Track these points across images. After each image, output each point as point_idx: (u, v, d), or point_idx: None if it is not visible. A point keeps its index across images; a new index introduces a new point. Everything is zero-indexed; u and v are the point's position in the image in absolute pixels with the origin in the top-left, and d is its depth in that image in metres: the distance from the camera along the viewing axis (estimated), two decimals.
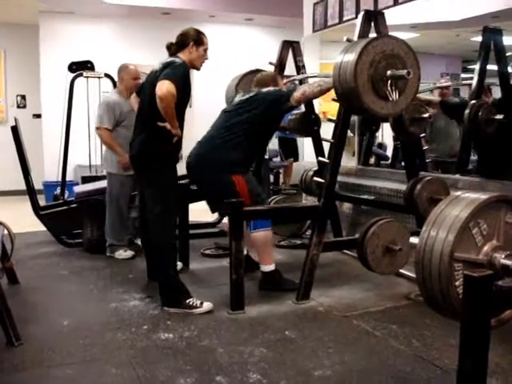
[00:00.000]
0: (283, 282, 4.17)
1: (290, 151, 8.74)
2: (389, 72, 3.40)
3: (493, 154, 4.90)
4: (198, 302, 3.74)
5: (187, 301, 3.73)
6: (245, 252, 4.15)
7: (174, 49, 3.89)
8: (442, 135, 5.87)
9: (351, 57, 3.38)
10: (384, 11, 4.28)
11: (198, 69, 3.95)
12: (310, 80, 4.28)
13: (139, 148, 3.87)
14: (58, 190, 6.84)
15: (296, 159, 8.69)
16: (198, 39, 3.85)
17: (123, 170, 5.09)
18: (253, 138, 4.12)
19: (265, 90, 4.19)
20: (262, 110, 4.06)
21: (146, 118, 3.82)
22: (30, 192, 5.48)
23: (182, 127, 3.78)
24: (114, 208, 5.18)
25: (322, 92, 3.98)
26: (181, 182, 4.99)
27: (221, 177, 4.03)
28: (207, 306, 3.73)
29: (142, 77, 4.97)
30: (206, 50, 3.89)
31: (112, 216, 5.20)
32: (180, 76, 3.62)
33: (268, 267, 4.16)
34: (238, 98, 4.32)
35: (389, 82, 3.42)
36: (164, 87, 3.49)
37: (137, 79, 5.14)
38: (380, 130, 6.88)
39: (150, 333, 3.37)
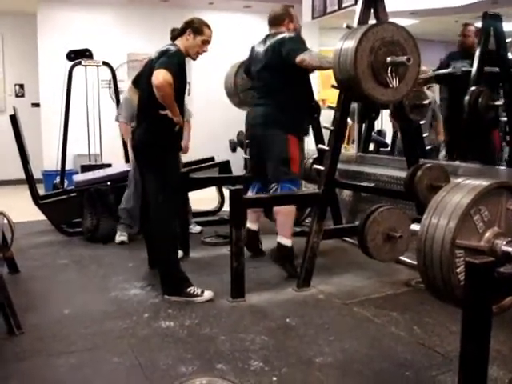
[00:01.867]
0: (291, 264, 4.19)
1: None
2: (389, 58, 3.39)
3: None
4: (199, 291, 3.74)
5: (188, 289, 3.73)
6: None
7: (175, 33, 3.88)
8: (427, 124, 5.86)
9: (351, 44, 3.37)
10: None
11: (193, 58, 3.91)
12: (313, 52, 4.23)
13: (141, 138, 3.87)
14: (58, 179, 6.83)
15: None
16: (198, 28, 3.81)
17: None
18: (296, 94, 4.22)
19: (279, 37, 4.21)
20: (286, 65, 4.12)
21: (146, 107, 3.80)
22: (30, 181, 5.47)
23: (182, 115, 3.76)
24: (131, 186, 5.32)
25: (319, 68, 4.10)
26: (183, 170, 5.03)
27: (280, 135, 4.14)
28: (208, 294, 3.74)
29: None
30: (204, 42, 3.85)
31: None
32: (175, 64, 3.61)
33: (285, 241, 4.17)
34: (260, 49, 4.38)
35: (389, 68, 3.41)
36: (160, 76, 3.48)
37: None
38: (379, 117, 6.86)
39: (150, 321, 3.38)
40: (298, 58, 3.99)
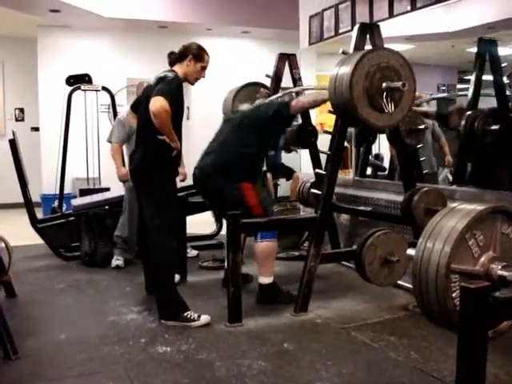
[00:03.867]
0: (280, 295, 4.16)
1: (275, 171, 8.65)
2: (384, 84, 3.42)
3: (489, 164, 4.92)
4: (196, 315, 3.72)
5: (185, 314, 3.72)
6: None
7: (173, 58, 3.92)
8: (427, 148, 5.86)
9: (346, 70, 3.41)
10: (379, 23, 4.30)
11: (191, 83, 3.97)
12: (307, 92, 4.31)
13: (138, 162, 3.89)
14: (56, 203, 6.85)
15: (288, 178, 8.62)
16: (198, 54, 3.87)
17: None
18: (260, 146, 4.21)
19: (267, 100, 4.24)
20: (267, 121, 4.16)
21: (145, 132, 3.84)
22: (28, 205, 5.48)
23: (180, 140, 3.79)
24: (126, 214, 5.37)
25: (316, 103, 4.12)
26: (179, 194, 5.04)
27: (231, 184, 4.08)
28: (205, 318, 3.72)
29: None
30: (203, 68, 3.91)
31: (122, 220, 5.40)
32: (173, 91, 3.66)
33: (265, 279, 4.15)
34: (242, 107, 4.36)
35: (384, 93, 3.44)
36: (157, 103, 3.52)
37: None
38: (377, 141, 6.90)
39: (147, 346, 3.36)
40: (293, 102, 4.12)
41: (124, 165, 5.34)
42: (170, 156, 3.75)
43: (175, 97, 3.66)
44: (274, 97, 4.68)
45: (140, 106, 3.97)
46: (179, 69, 3.85)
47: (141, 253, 4.45)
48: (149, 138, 3.74)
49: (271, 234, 4.13)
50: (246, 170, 4.12)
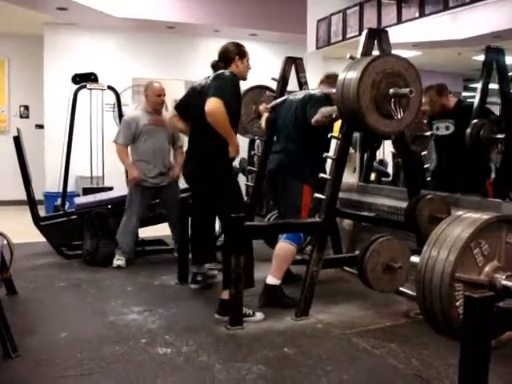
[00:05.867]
0: (283, 299, 4.15)
1: None
2: (391, 90, 3.40)
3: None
4: (251, 311, 3.81)
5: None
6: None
7: (220, 66, 4.04)
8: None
9: (353, 78, 3.39)
10: (387, 29, 4.29)
11: (245, 79, 4.14)
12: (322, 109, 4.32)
13: (195, 165, 4.07)
14: (59, 201, 6.85)
15: None
16: (240, 52, 4.06)
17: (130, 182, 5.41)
18: (315, 146, 4.26)
19: (313, 92, 4.40)
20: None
21: (200, 134, 4.00)
22: (31, 202, 5.48)
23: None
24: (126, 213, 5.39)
25: (331, 121, 4.13)
26: (182, 195, 5.05)
27: (295, 185, 4.24)
28: (260, 315, 3.83)
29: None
30: (248, 61, 4.10)
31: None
32: (228, 90, 3.81)
33: (273, 280, 4.14)
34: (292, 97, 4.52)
35: (392, 100, 3.42)
36: (211, 105, 3.69)
37: (160, 96, 5.41)
38: (381, 147, 6.89)
39: (147, 347, 3.36)
40: (313, 119, 4.10)
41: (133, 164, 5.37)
42: (227, 156, 3.94)
43: (233, 95, 3.84)
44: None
45: (192, 107, 4.09)
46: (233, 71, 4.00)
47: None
48: (206, 141, 3.93)
49: (296, 237, 4.19)
50: (309, 171, 4.21)
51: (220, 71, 3.92)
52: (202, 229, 4.52)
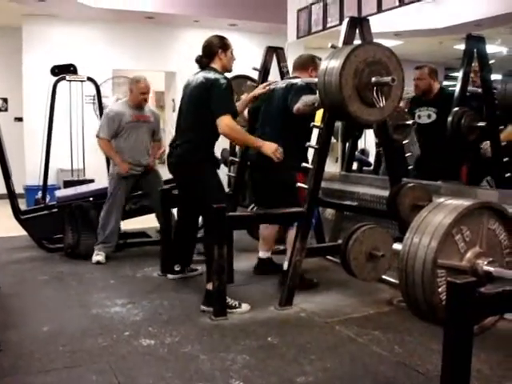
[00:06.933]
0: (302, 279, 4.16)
1: None
2: (373, 79, 3.39)
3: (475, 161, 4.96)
4: (237, 303, 3.83)
5: (227, 301, 3.78)
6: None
7: (205, 61, 4.10)
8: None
9: (335, 67, 3.37)
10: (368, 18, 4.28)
11: (230, 71, 4.19)
12: (304, 97, 4.28)
13: (179, 155, 4.11)
14: (40, 194, 6.79)
15: None
16: (224, 44, 4.10)
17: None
18: (297, 136, 4.27)
19: (294, 81, 4.38)
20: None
21: (185, 125, 4.12)
22: (11, 196, 5.43)
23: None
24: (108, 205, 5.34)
25: (313, 110, 4.17)
26: (165, 187, 5.02)
27: (284, 173, 4.24)
28: (246, 306, 3.86)
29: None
30: (232, 52, 4.14)
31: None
32: (228, 98, 3.94)
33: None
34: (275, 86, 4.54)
35: (374, 88, 3.42)
36: (223, 126, 3.83)
37: (145, 94, 5.38)
38: (363, 136, 6.90)
39: (131, 339, 3.34)
40: (295, 107, 4.13)
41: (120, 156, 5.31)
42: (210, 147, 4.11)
43: (232, 101, 4.01)
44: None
45: (183, 99, 4.19)
46: (216, 65, 4.08)
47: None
48: (191, 130, 4.08)
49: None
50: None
51: (213, 76, 3.94)
52: (185, 232, 4.54)
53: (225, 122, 3.83)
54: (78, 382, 2.81)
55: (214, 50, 4.06)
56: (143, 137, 5.38)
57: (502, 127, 4.77)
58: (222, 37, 4.15)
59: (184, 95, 4.20)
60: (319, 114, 4.14)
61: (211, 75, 3.96)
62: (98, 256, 5.19)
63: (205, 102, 3.91)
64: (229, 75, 4.37)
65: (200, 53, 4.12)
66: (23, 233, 5.68)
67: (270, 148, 4.02)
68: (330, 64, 3.44)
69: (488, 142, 4.80)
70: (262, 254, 4.77)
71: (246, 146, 4.51)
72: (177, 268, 4.60)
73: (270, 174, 4.35)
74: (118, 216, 5.33)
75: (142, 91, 5.32)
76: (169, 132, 5.41)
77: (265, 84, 4.64)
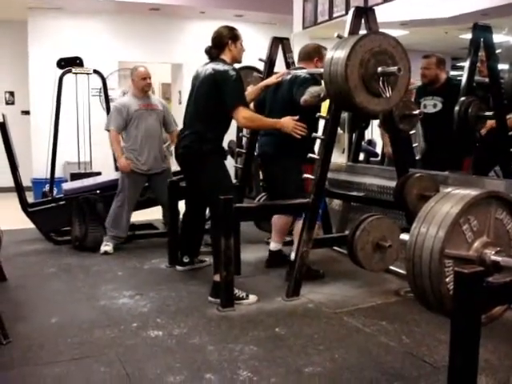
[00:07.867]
0: (309, 269, 4.17)
1: None
2: (379, 69, 3.38)
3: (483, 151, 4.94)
4: (244, 294, 3.83)
5: (234, 292, 3.78)
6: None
7: (214, 52, 4.09)
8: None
9: (340, 57, 3.35)
10: (374, 8, 4.26)
11: (240, 62, 4.19)
12: (310, 89, 4.27)
13: (186, 147, 4.08)
14: (47, 187, 6.80)
15: None
16: (233, 35, 4.09)
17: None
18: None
19: (299, 73, 4.38)
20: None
21: (192, 115, 4.11)
22: (18, 189, 5.44)
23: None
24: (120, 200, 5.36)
25: (320, 101, 4.15)
26: (173, 179, 5.03)
27: (293, 165, 4.30)
28: (253, 297, 3.86)
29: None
30: (241, 43, 4.13)
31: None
32: (240, 89, 3.94)
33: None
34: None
35: (380, 78, 3.40)
36: (241, 117, 3.84)
37: (145, 79, 5.38)
38: (370, 127, 6.88)
39: (139, 330, 3.36)
40: (302, 99, 4.11)
41: (123, 153, 5.31)
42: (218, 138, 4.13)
43: (243, 92, 4.03)
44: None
45: (195, 92, 4.15)
46: (226, 56, 4.06)
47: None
48: (198, 121, 4.06)
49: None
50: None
51: (222, 68, 3.93)
52: (192, 224, 4.53)
53: (241, 114, 3.84)
54: (86, 373, 2.82)
55: (223, 41, 4.05)
56: (154, 124, 5.37)
57: (509, 116, 4.74)
58: (231, 27, 4.13)
59: (193, 86, 4.19)
60: (325, 104, 4.12)
61: (220, 67, 3.95)
62: (106, 246, 5.22)
63: (214, 94, 3.90)
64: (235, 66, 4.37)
65: (207, 44, 4.10)
66: (31, 225, 5.70)
67: (288, 126, 4.02)
68: (336, 54, 3.42)
69: None
70: (274, 247, 4.70)
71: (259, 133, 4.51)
72: (186, 259, 4.60)
73: (277, 164, 4.35)
74: (130, 210, 5.34)
75: (142, 76, 5.33)
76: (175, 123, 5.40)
77: (278, 74, 4.61)
